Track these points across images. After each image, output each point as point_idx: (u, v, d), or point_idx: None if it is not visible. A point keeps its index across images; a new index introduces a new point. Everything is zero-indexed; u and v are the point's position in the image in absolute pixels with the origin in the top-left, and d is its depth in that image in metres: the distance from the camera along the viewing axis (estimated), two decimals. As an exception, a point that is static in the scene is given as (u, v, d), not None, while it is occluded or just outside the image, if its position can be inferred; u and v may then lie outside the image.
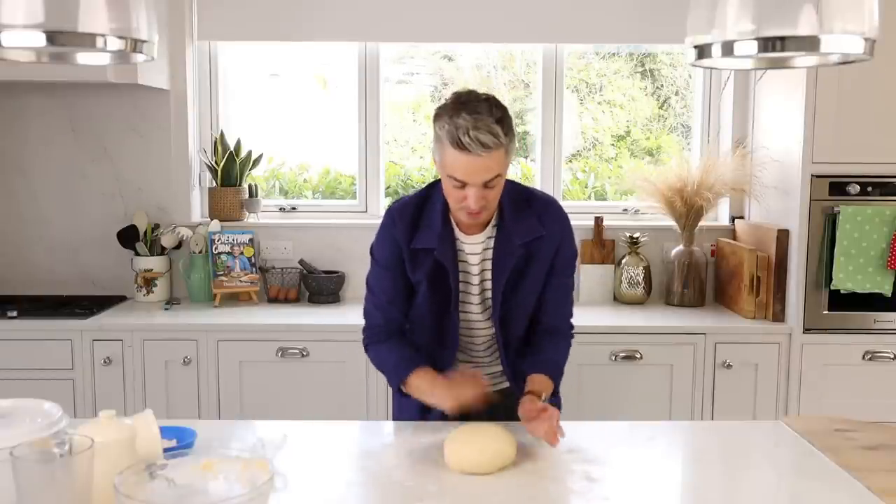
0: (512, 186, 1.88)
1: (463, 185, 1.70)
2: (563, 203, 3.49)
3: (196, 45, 3.40)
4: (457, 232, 1.85)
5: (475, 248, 1.86)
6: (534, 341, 1.93)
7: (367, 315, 1.94)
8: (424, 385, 1.79)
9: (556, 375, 1.89)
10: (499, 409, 1.84)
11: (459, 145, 1.65)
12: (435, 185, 1.87)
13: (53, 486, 1.16)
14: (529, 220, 1.84)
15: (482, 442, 1.58)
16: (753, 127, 3.32)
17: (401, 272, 1.87)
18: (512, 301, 1.87)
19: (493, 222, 1.85)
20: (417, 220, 1.85)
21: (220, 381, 2.91)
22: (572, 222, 3.59)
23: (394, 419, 2.02)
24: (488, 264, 1.86)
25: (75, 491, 1.18)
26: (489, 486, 1.52)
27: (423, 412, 1.87)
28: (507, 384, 1.96)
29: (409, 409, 1.91)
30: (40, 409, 1.42)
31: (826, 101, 2.82)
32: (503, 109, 1.72)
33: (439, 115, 1.71)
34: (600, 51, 3.62)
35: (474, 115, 1.65)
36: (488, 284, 1.87)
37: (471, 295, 1.89)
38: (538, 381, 1.82)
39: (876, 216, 2.82)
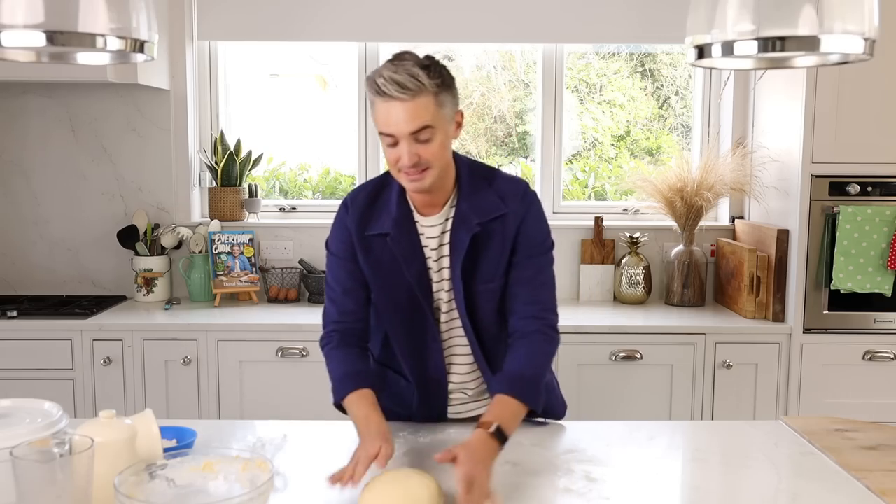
0: (473, 164, 1.78)
1: (395, 141, 1.58)
2: (562, 203, 3.54)
3: (196, 45, 3.40)
4: (416, 215, 1.73)
5: (434, 231, 1.73)
6: (509, 346, 1.74)
7: (323, 315, 1.81)
8: (353, 416, 1.63)
9: (525, 392, 1.63)
10: None
11: (378, 91, 1.56)
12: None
13: (53, 486, 1.16)
14: (490, 197, 1.71)
15: (400, 493, 1.36)
16: (753, 127, 3.32)
17: (356, 262, 1.75)
18: (474, 287, 1.72)
19: (451, 202, 1.72)
20: (372, 205, 1.75)
21: (220, 381, 2.91)
22: (572, 222, 3.59)
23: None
24: (441, 254, 1.73)
25: (75, 491, 1.18)
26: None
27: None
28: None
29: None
30: (40, 409, 1.43)
31: (826, 101, 2.82)
32: (436, 63, 1.60)
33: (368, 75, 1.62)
34: (600, 51, 3.62)
35: (395, 63, 1.58)
36: (447, 278, 1.74)
37: (433, 283, 1.74)
38: (494, 408, 1.60)
39: (876, 216, 2.82)
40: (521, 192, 1.74)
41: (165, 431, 1.55)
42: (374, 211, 1.74)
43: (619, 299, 3.36)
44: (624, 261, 3.33)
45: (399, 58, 1.60)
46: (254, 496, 1.18)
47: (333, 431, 1.83)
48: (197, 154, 3.45)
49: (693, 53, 1.44)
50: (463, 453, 1.41)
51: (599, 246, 3.39)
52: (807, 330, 2.93)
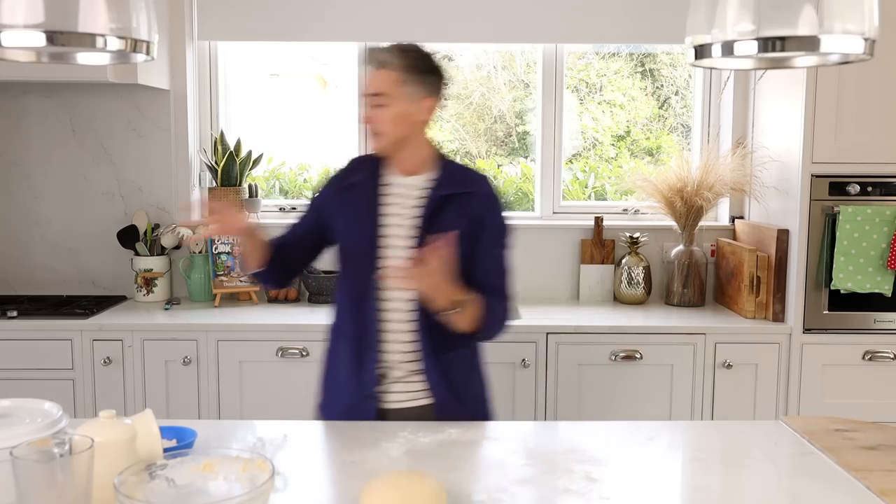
0: (451, 159, 2.03)
1: (364, 102, 1.91)
2: (563, 203, 3.55)
3: (196, 45, 3.40)
4: (389, 177, 1.97)
5: (410, 191, 1.95)
6: None
7: None
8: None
9: (489, 307, 1.89)
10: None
11: (366, 61, 1.92)
12: None
13: (53, 486, 1.16)
14: (463, 178, 1.97)
15: (402, 493, 1.35)
16: (753, 127, 3.32)
17: (318, 213, 2.04)
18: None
19: (432, 174, 1.96)
20: (359, 166, 2.03)
21: (220, 381, 2.91)
22: (572, 222, 3.59)
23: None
24: (412, 212, 1.93)
25: (75, 491, 1.18)
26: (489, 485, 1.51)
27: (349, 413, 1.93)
28: (429, 399, 1.94)
29: (334, 411, 1.97)
30: (40, 408, 1.43)
31: (826, 101, 2.82)
32: (420, 52, 1.91)
33: None
34: (600, 51, 3.62)
35: (395, 45, 1.91)
36: (410, 232, 1.92)
37: (391, 238, 1.93)
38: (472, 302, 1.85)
39: (876, 216, 2.82)
40: (488, 184, 1.98)
41: (165, 431, 1.55)
42: (356, 169, 2.04)
43: (619, 299, 3.36)
44: (624, 261, 3.33)
45: (396, 46, 1.91)
46: (254, 496, 1.18)
47: (333, 431, 1.83)
48: (197, 154, 3.45)
49: (693, 53, 1.44)
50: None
51: (599, 246, 3.39)
52: (807, 330, 2.93)
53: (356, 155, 2.12)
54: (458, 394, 1.95)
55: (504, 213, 1.99)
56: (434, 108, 1.93)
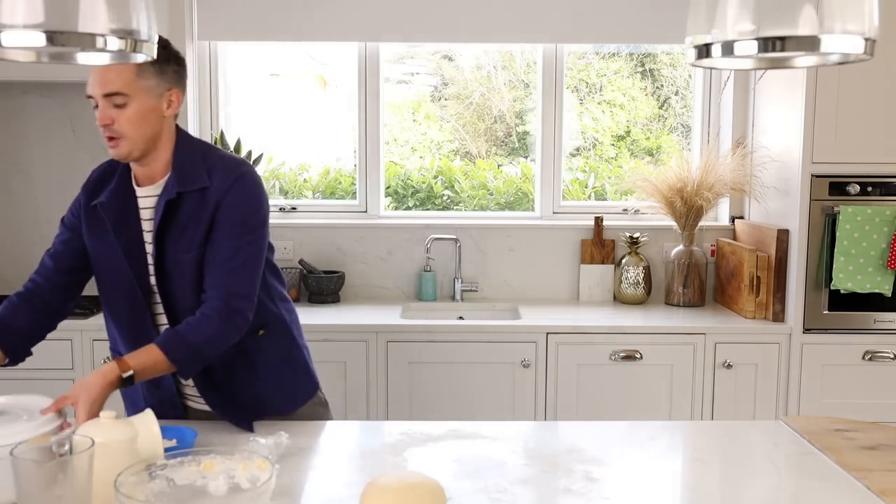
0: (195, 141, 1.82)
1: (96, 104, 1.68)
2: (562, 203, 3.54)
3: (196, 45, 3.40)
4: (136, 187, 1.79)
5: (148, 202, 1.77)
6: None
7: None
8: None
9: (177, 351, 1.65)
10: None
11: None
12: None
13: (53, 487, 1.16)
14: (197, 171, 1.74)
15: (401, 495, 1.33)
16: (753, 127, 3.32)
17: (76, 232, 1.83)
18: (170, 258, 1.73)
19: (167, 176, 1.76)
20: (104, 179, 1.82)
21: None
22: (572, 222, 3.58)
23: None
24: (150, 225, 1.77)
25: (75, 491, 1.18)
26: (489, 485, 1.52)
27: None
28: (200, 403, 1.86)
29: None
30: (41, 404, 1.43)
31: (826, 101, 2.82)
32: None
33: None
34: (600, 51, 3.62)
35: None
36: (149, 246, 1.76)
37: (149, 255, 1.76)
38: (140, 354, 1.66)
39: (876, 216, 2.82)
40: (231, 170, 1.75)
41: (166, 431, 1.55)
42: (103, 184, 1.81)
43: (619, 299, 3.36)
44: (624, 261, 3.33)
45: None
46: (254, 496, 1.18)
47: (333, 431, 1.83)
48: (197, 154, 3.45)
49: (693, 53, 1.44)
50: (77, 386, 1.60)
51: (599, 246, 3.39)
52: (807, 330, 2.93)
53: (96, 167, 1.89)
54: (233, 399, 1.83)
55: (246, 203, 1.75)
56: (180, 100, 1.75)
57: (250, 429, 1.79)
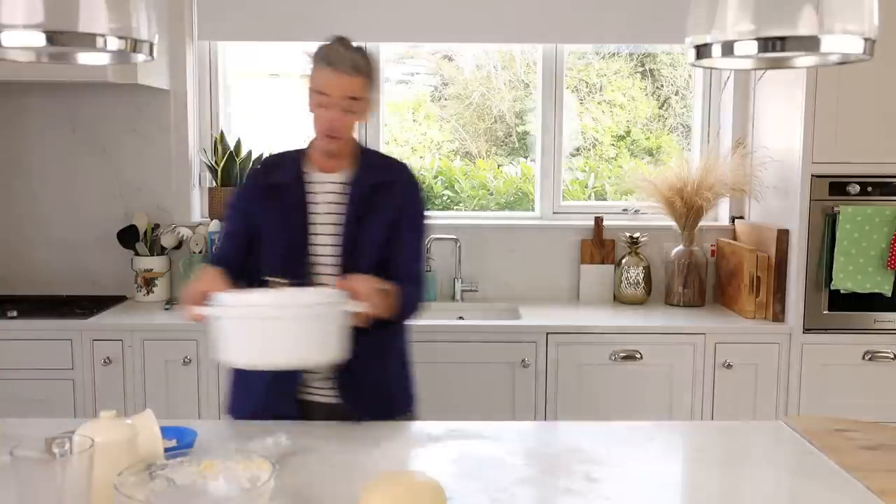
0: (369, 148, 2.12)
1: (329, 103, 1.86)
2: (562, 203, 3.55)
3: (196, 45, 3.40)
4: (311, 175, 1.98)
5: (328, 188, 1.96)
6: None
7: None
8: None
9: (397, 294, 1.85)
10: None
11: (328, 61, 1.86)
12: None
13: (53, 486, 1.16)
14: (384, 168, 2.02)
15: (401, 494, 1.33)
16: (753, 127, 3.32)
17: (246, 213, 2.00)
18: (359, 238, 1.92)
19: (352, 164, 1.98)
20: (276, 165, 2.05)
21: (220, 382, 2.90)
22: (572, 222, 3.59)
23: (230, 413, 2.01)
24: (337, 208, 1.95)
25: (75, 491, 1.18)
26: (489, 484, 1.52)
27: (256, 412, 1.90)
28: (334, 398, 1.94)
29: (241, 409, 1.96)
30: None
31: (826, 101, 2.82)
32: (371, 57, 1.92)
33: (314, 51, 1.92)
34: (600, 51, 3.62)
35: (341, 44, 1.89)
36: (337, 226, 1.93)
37: (319, 235, 1.94)
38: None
39: (876, 216, 2.82)
40: (408, 173, 2.04)
41: (166, 431, 1.55)
42: (276, 169, 2.04)
43: (619, 299, 3.36)
44: (624, 261, 3.33)
45: (345, 44, 1.91)
46: (254, 496, 1.18)
47: (334, 431, 1.83)
48: (197, 154, 3.45)
49: (693, 53, 1.44)
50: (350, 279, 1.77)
51: (599, 246, 3.39)
52: (807, 330, 2.93)
53: (268, 154, 2.12)
54: (364, 389, 1.93)
55: (422, 200, 2.03)
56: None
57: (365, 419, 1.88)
